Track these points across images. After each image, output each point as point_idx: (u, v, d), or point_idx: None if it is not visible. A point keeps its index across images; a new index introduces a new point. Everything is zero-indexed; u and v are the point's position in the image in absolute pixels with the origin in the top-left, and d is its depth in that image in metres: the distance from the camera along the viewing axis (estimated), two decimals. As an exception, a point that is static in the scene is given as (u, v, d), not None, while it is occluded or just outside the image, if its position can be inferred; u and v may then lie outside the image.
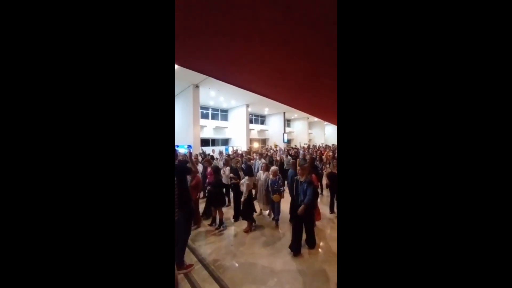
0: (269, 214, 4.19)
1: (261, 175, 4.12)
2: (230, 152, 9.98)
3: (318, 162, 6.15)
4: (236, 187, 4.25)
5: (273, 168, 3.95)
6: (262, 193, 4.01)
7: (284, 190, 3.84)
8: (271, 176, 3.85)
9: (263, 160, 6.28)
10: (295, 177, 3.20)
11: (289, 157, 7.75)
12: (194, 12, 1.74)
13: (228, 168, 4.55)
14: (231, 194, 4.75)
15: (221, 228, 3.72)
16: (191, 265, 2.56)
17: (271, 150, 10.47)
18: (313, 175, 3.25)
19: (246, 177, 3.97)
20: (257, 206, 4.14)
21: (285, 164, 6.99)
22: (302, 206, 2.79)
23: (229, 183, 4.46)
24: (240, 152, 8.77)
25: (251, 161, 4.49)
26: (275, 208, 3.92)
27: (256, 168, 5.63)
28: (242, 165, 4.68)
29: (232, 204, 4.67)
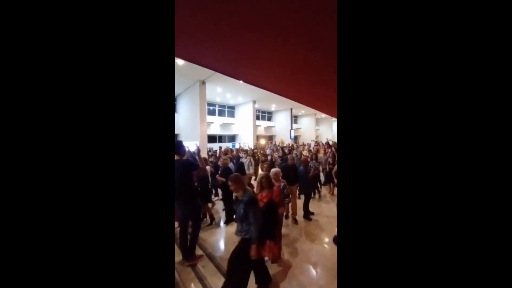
0: None
1: None
2: (236, 148, 9.96)
3: (314, 161, 5.40)
4: (223, 188, 3.82)
5: (274, 171, 3.00)
6: None
7: (289, 201, 3.15)
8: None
9: (250, 159, 5.57)
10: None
11: (275, 155, 6.83)
12: (202, 5, 1.71)
13: (208, 167, 4.47)
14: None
15: (213, 224, 3.73)
16: (201, 256, 2.61)
17: (266, 148, 9.86)
18: (275, 189, 2.40)
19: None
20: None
21: (275, 165, 5.76)
22: (251, 245, 1.73)
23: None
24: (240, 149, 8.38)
25: (223, 161, 4.00)
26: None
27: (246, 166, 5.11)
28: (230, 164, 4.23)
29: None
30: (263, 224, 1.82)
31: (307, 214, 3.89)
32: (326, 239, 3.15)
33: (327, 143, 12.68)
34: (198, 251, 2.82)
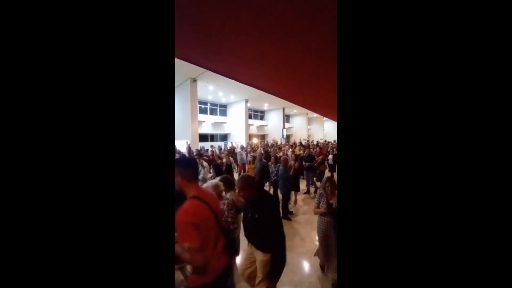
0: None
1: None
2: (228, 148, 9.87)
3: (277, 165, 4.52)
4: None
5: (211, 184, 1.97)
6: None
7: (237, 231, 1.93)
8: (225, 210, 1.89)
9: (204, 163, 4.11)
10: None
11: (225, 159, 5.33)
12: (194, 3, 1.67)
13: None
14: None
15: None
16: None
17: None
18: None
19: (218, 178, 3.59)
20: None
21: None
22: None
23: None
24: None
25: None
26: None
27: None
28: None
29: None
30: None
31: (286, 214, 3.95)
32: (317, 237, 3.19)
33: (299, 143, 11.46)
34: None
